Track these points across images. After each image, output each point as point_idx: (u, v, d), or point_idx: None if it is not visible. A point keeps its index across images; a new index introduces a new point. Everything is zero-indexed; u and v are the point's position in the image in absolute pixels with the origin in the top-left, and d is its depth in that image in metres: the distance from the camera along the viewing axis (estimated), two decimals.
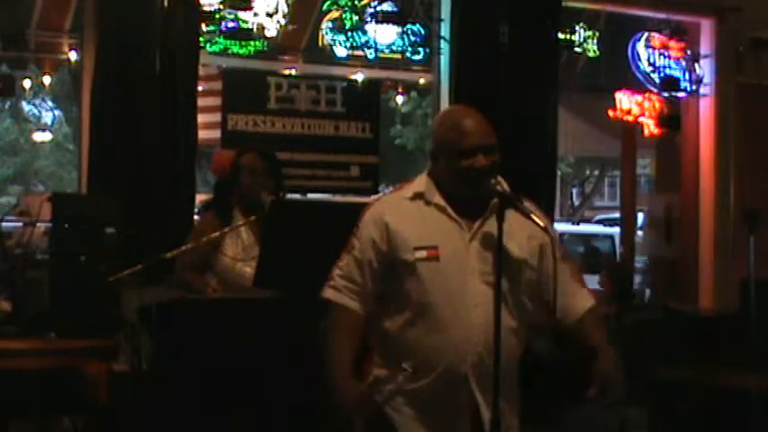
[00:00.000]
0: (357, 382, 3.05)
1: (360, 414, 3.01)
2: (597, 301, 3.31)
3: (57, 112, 25.82)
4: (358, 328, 3.11)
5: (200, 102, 6.69)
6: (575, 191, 29.51)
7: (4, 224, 5.49)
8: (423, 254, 3.03)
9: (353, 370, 3.09)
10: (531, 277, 3.12)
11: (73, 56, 7.11)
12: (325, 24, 7.56)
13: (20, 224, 5.54)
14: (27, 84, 8.79)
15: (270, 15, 7.38)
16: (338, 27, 7.55)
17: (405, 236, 3.05)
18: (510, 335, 3.04)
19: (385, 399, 3.05)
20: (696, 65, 8.85)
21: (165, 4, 6.27)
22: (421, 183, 3.15)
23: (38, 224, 5.28)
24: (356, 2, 7.57)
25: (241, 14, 7.11)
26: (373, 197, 6.88)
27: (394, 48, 7.73)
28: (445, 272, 3.01)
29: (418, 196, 3.12)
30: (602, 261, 13.59)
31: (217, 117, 7.22)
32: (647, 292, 10.14)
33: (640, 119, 8.93)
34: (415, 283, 3.03)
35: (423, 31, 7.76)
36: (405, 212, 3.10)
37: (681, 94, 8.86)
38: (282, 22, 7.44)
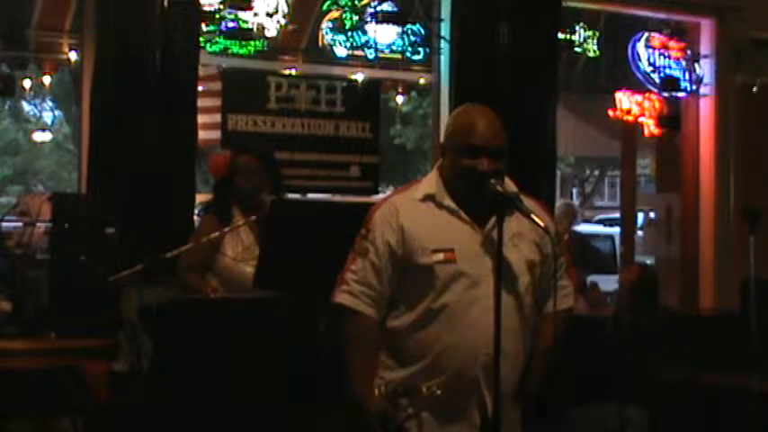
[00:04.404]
0: (379, 397, 3.00)
1: (381, 428, 2.99)
2: (574, 302, 3.30)
3: (57, 112, 25.78)
4: (375, 334, 3.08)
5: (200, 102, 6.69)
6: (575, 191, 29.50)
7: (4, 224, 5.49)
8: (440, 257, 3.00)
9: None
10: (537, 279, 3.12)
11: (73, 56, 7.11)
12: (325, 24, 7.56)
13: (20, 224, 5.55)
14: (27, 84, 8.80)
15: (270, 15, 7.39)
16: (338, 27, 7.55)
17: (421, 239, 3.03)
18: (515, 336, 3.04)
19: (405, 409, 3.03)
20: (696, 65, 8.85)
21: (165, 4, 6.26)
22: (430, 183, 3.12)
23: (38, 224, 5.29)
24: (356, 2, 7.57)
25: (241, 14, 7.11)
26: (377, 197, 6.89)
27: (394, 48, 7.74)
28: (461, 274, 3.00)
29: (429, 198, 3.09)
30: (600, 261, 13.60)
31: (216, 118, 7.21)
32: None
33: (640, 119, 8.93)
34: (430, 285, 3.01)
35: (423, 31, 7.76)
36: (418, 215, 3.07)
37: (681, 94, 8.87)
38: (282, 22, 7.44)
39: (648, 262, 10.72)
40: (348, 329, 3.08)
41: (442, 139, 3.19)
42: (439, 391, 2.97)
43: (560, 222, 8.69)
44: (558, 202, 10.15)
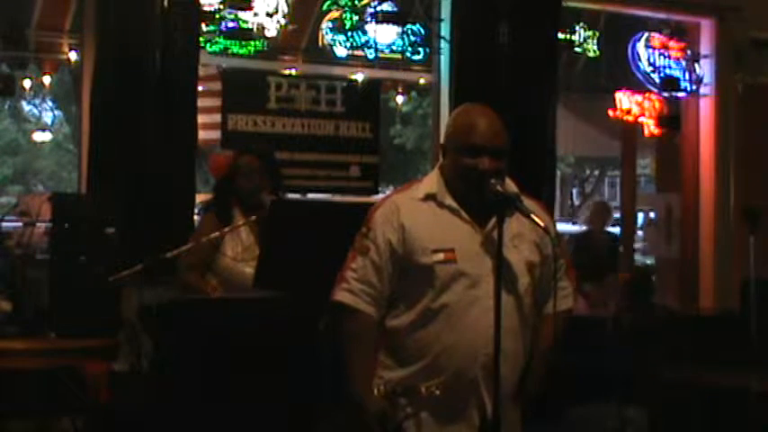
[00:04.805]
0: (378, 397, 3.00)
1: (380, 428, 2.99)
2: (573, 304, 3.30)
3: (57, 112, 25.79)
4: (374, 333, 3.08)
5: (200, 102, 6.69)
6: (575, 191, 29.49)
7: (4, 224, 5.50)
8: (440, 257, 3.00)
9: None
10: (537, 280, 3.12)
11: (73, 56, 7.11)
12: (326, 24, 7.56)
13: (20, 224, 5.55)
14: (27, 84, 8.80)
15: (270, 15, 7.39)
16: (338, 27, 7.55)
17: (422, 239, 3.03)
18: (515, 336, 3.04)
19: (401, 408, 3.03)
20: (696, 65, 8.85)
21: (165, 4, 6.26)
22: (431, 183, 3.12)
23: (38, 224, 5.30)
24: (356, 2, 7.57)
25: (241, 14, 7.11)
26: (377, 197, 6.90)
27: (394, 48, 7.74)
28: (461, 274, 3.00)
29: (430, 197, 3.09)
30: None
31: (216, 118, 7.21)
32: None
33: (640, 119, 8.93)
34: (430, 285, 3.00)
35: (423, 31, 7.76)
36: (419, 214, 3.06)
37: (681, 94, 8.87)
38: (282, 22, 7.44)
39: (648, 262, 10.75)
40: (348, 328, 3.08)
41: (442, 139, 3.19)
42: (437, 392, 2.97)
43: (595, 221, 8.73)
44: (591, 201, 10.16)
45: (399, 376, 3.04)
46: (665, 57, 8.84)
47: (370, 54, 7.62)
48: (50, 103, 25.27)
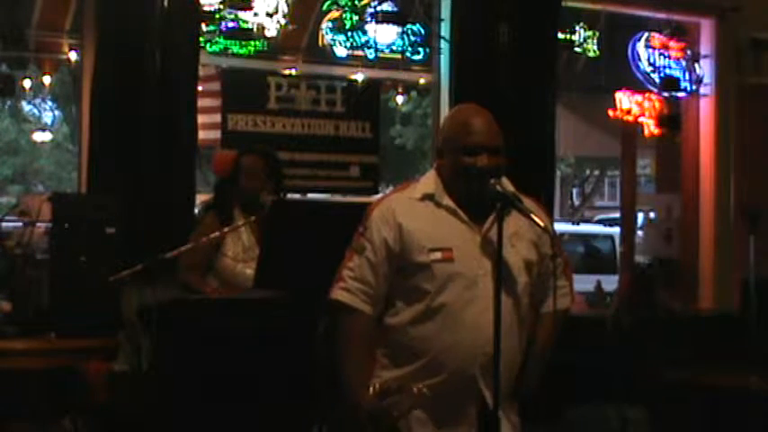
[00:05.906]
0: (372, 396, 3.00)
1: (373, 427, 2.99)
2: (572, 302, 3.31)
3: (57, 112, 25.77)
4: (370, 332, 3.09)
5: (200, 102, 6.69)
6: (575, 191, 29.49)
7: (4, 224, 5.49)
8: (438, 255, 3.02)
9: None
10: (534, 278, 3.12)
11: (73, 56, 7.10)
12: (326, 24, 7.55)
13: (20, 224, 5.55)
14: (27, 84, 8.78)
15: (270, 15, 7.38)
16: (338, 27, 7.54)
17: (419, 238, 3.04)
18: (512, 335, 3.04)
19: (396, 408, 3.02)
20: (696, 65, 8.85)
21: (165, 4, 6.26)
22: (429, 183, 3.14)
23: (38, 224, 5.29)
24: (356, 2, 7.56)
25: (241, 14, 7.10)
26: (377, 197, 6.92)
27: (394, 48, 7.72)
28: (459, 273, 3.01)
29: (428, 197, 3.11)
30: (601, 261, 13.62)
31: (216, 118, 7.21)
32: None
33: (640, 119, 8.92)
34: (428, 283, 3.02)
35: (423, 31, 7.75)
36: (417, 214, 3.08)
37: (681, 94, 8.86)
38: (282, 22, 7.43)
39: (648, 262, 10.75)
40: (344, 326, 3.09)
41: (437, 141, 3.20)
42: (426, 391, 2.96)
43: None
44: None
45: (396, 375, 3.04)
46: (665, 57, 8.83)
47: (370, 54, 7.61)
48: (50, 103, 25.25)
